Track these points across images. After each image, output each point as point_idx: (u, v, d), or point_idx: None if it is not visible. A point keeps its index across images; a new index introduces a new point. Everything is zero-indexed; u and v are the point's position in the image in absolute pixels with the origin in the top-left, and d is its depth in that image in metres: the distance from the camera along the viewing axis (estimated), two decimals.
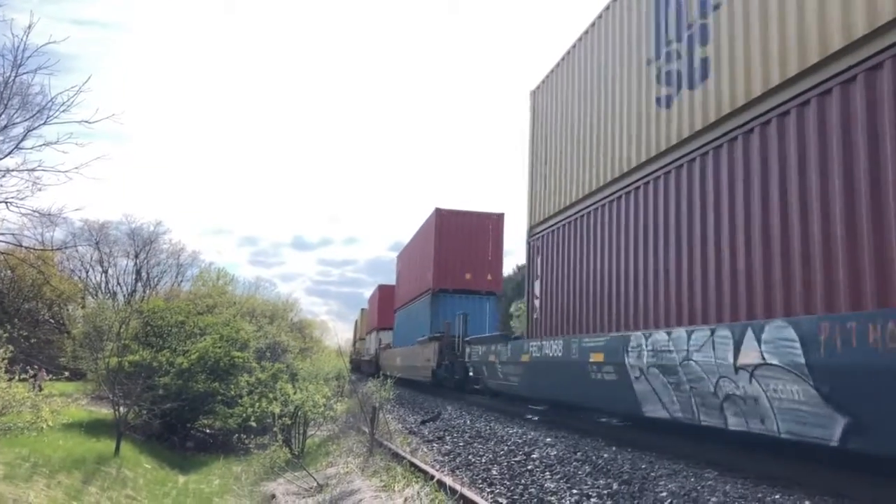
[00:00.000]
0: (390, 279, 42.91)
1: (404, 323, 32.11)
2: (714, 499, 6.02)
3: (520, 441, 10.62)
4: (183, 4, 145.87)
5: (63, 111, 14.20)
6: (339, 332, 79.44)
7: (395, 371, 29.03)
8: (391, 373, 31.12)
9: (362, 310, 57.49)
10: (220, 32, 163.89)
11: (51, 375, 21.22)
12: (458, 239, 24.98)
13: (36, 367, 24.33)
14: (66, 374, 25.37)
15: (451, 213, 25.46)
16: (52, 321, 35.19)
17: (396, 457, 10.59)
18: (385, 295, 43.08)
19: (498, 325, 24.33)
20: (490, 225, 25.60)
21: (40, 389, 21.74)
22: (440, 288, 24.75)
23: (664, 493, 6.44)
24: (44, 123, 15.11)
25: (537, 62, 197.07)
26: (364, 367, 45.40)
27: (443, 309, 24.14)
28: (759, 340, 6.37)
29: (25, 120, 15.64)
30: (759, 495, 6.06)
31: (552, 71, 14.24)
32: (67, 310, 36.13)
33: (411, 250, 31.48)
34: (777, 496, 6.00)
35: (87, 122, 13.59)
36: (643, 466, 7.69)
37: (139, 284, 47.13)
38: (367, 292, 58.42)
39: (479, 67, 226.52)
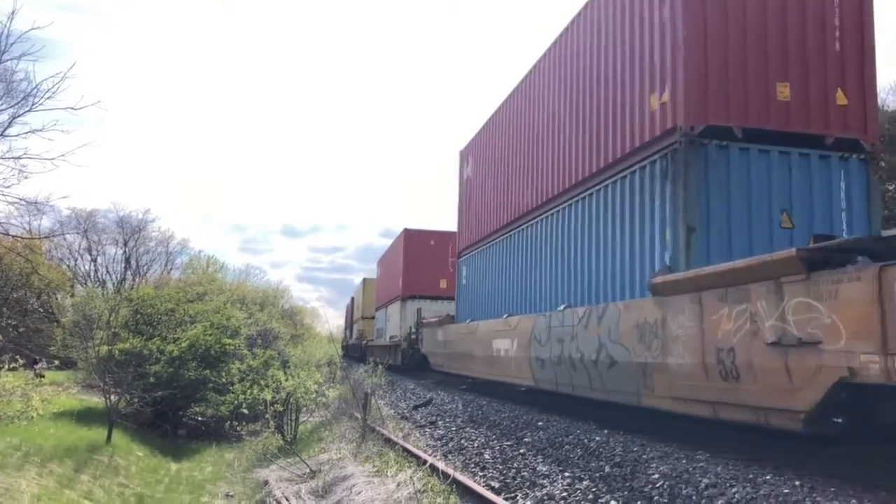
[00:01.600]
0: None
1: (483, 273, 17.92)
2: (706, 480, 6.06)
3: (511, 425, 10.66)
4: None
5: (48, 98, 13.98)
6: (331, 319, 79.37)
7: (491, 370, 15.35)
8: (467, 372, 17.62)
9: (365, 280, 44.73)
10: (211, 18, 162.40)
11: (40, 364, 21.15)
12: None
13: (37, 357, 24.29)
14: (56, 362, 25.32)
15: None
16: (41, 310, 34.96)
17: (389, 442, 10.62)
18: (418, 244, 28.63)
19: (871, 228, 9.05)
20: None
21: (42, 377, 21.77)
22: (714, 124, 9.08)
23: (656, 476, 6.48)
24: (29, 111, 14.88)
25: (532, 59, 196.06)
26: (380, 355, 27.99)
27: (738, 184, 9.05)
28: None
29: (10, 107, 15.42)
30: (751, 476, 6.10)
31: None
32: (56, 298, 35.90)
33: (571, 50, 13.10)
34: (768, 476, 6.04)
35: (72, 108, 13.37)
36: (635, 449, 7.73)
37: (128, 272, 46.91)
38: (358, 278, 53.79)
39: (476, 59, 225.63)
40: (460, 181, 21.43)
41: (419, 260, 28.01)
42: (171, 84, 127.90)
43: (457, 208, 21.51)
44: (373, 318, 39.76)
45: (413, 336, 25.10)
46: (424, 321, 23.50)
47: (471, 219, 19.70)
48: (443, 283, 25.34)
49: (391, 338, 30.19)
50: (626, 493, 6.21)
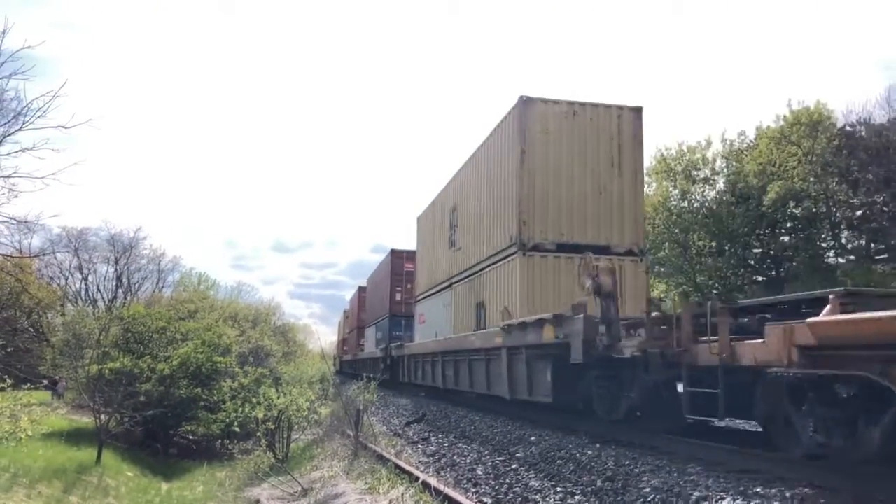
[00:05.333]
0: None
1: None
2: (697, 493, 6.06)
3: (504, 440, 10.64)
4: (168, 8, 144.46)
5: (39, 116, 13.91)
6: (323, 336, 79.21)
7: None
8: None
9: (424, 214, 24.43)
10: (202, 32, 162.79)
11: (29, 384, 20.98)
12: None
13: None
14: (45, 382, 25.09)
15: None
16: (31, 329, 34.72)
17: (381, 459, 10.57)
18: None
19: None
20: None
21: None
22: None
23: (647, 489, 6.48)
24: (19, 129, 14.83)
25: (529, 67, 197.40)
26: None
27: None
28: None
29: (1, 126, 15.37)
30: (741, 488, 6.11)
31: None
32: (47, 318, 35.69)
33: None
34: (759, 488, 6.05)
35: (63, 127, 13.33)
36: (626, 463, 7.73)
37: (120, 291, 46.72)
38: (349, 294, 49.81)
39: (473, 71, 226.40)
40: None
41: None
42: (161, 102, 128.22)
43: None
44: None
45: None
46: None
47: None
48: None
49: None
50: None
